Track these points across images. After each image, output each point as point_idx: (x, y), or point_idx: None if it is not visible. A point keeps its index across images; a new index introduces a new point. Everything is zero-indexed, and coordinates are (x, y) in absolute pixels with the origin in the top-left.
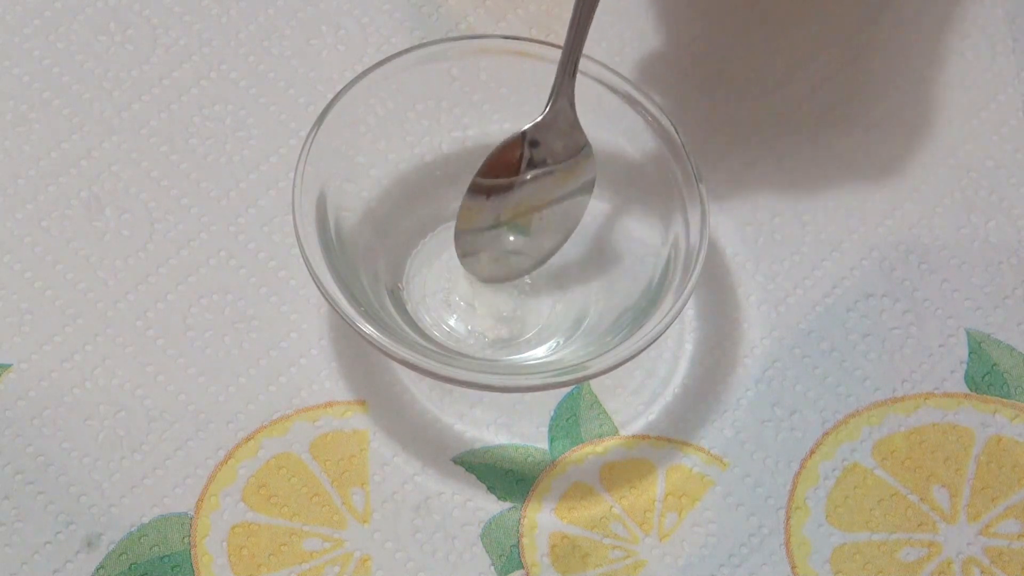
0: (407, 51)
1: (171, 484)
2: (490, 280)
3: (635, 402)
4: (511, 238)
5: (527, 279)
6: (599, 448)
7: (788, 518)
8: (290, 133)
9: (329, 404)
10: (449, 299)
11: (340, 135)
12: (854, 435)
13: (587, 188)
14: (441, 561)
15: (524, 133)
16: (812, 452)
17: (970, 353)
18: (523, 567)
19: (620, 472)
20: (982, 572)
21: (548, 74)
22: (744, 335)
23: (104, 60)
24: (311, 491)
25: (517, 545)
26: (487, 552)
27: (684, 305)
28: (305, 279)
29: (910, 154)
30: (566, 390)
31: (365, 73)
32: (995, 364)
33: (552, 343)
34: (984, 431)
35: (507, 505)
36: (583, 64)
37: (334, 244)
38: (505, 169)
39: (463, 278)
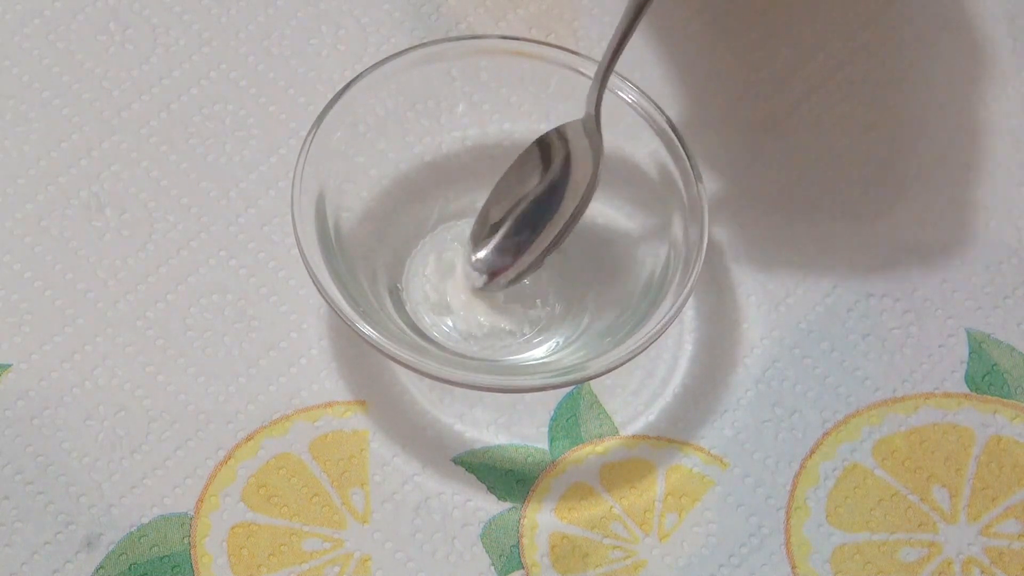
0: (407, 51)
1: (171, 484)
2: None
3: (635, 402)
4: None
5: (525, 279)
6: (599, 448)
7: (788, 518)
8: (290, 133)
9: (329, 404)
10: (448, 300)
11: (340, 135)
12: (854, 435)
13: (586, 197)
14: (441, 561)
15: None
16: (812, 452)
17: (970, 353)
18: (523, 567)
19: (620, 472)
20: (982, 572)
21: (548, 74)
22: (744, 335)
23: (104, 60)
24: (311, 491)
25: (517, 545)
26: (487, 552)
27: (684, 305)
28: (305, 279)
29: (910, 154)
30: (566, 390)
31: (365, 73)
32: (995, 364)
33: (552, 343)
34: (984, 431)
35: (507, 505)
36: (583, 65)
37: (333, 244)
38: (513, 191)
39: (461, 279)
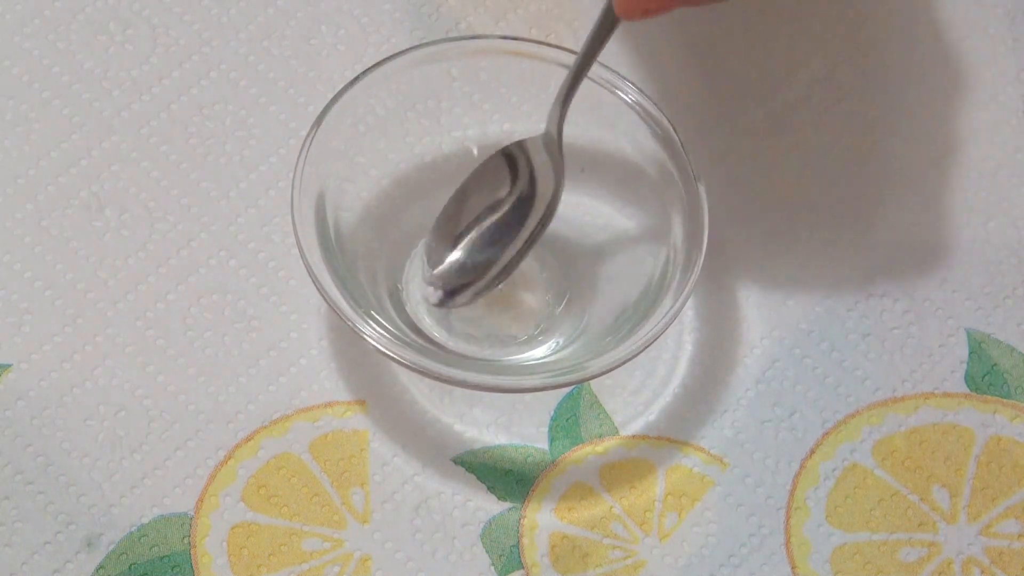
0: (407, 51)
1: (171, 484)
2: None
3: (635, 402)
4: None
5: (481, 297)
6: (599, 448)
7: (788, 518)
8: (290, 133)
9: (329, 404)
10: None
11: (340, 135)
12: (854, 435)
13: (546, 217)
14: (441, 561)
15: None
16: (812, 452)
17: (970, 353)
18: (523, 567)
19: (620, 472)
20: (982, 572)
21: (548, 74)
22: (744, 335)
23: (104, 60)
24: (311, 491)
25: (517, 545)
26: (487, 552)
27: (684, 305)
28: (305, 279)
29: (910, 154)
30: (566, 390)
31: (365, 73)
32: (995, 364)
33: (552, 343)
34: (984, 431)
35: (507, 505)
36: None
37: (333, 244)
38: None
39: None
